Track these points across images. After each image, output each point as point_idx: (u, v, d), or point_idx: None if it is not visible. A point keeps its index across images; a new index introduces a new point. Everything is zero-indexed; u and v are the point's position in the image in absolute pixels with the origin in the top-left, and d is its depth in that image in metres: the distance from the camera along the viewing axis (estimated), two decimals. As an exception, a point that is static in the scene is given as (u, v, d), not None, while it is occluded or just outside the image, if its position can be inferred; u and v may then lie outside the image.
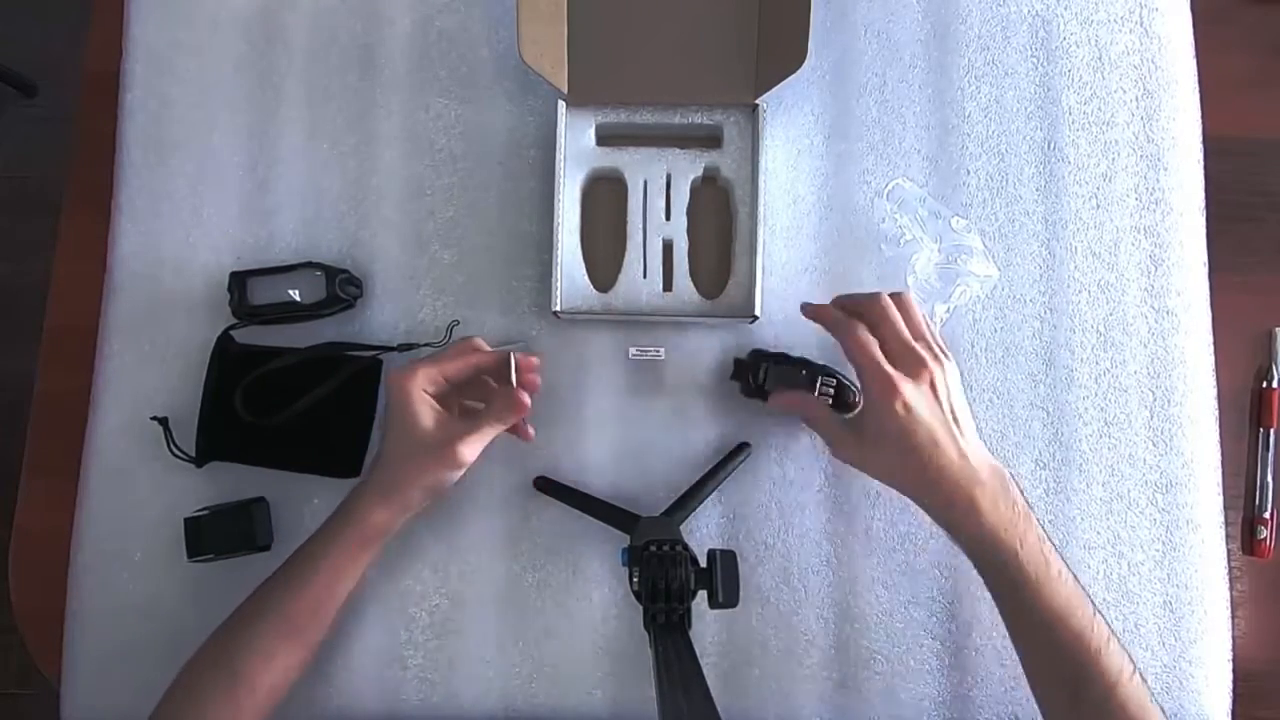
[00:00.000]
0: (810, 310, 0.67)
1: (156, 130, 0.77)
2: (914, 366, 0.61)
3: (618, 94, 0.74)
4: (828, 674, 0.70)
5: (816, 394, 0.68)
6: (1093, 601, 0.60)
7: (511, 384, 0.63)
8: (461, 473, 0.63)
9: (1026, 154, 0.77)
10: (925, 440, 0.60)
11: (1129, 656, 0.59)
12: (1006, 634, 0.63)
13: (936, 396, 0.61)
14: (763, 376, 0.69)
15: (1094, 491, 0.73)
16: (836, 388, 0.68)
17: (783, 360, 0.70)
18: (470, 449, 0.62)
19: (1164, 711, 0.58)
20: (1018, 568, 0.60)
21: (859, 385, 0.66)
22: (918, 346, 0.62)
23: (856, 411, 0.68)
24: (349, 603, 0.66)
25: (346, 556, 0.63)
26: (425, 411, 0.62)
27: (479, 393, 0.67)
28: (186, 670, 0.61)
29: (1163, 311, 0.75)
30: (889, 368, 0.60)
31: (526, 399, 0.62)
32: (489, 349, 0.65)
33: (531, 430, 0.68)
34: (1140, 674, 0.59)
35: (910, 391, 0.60)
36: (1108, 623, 0.60)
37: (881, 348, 0.62)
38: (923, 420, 0.60)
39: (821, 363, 0.70)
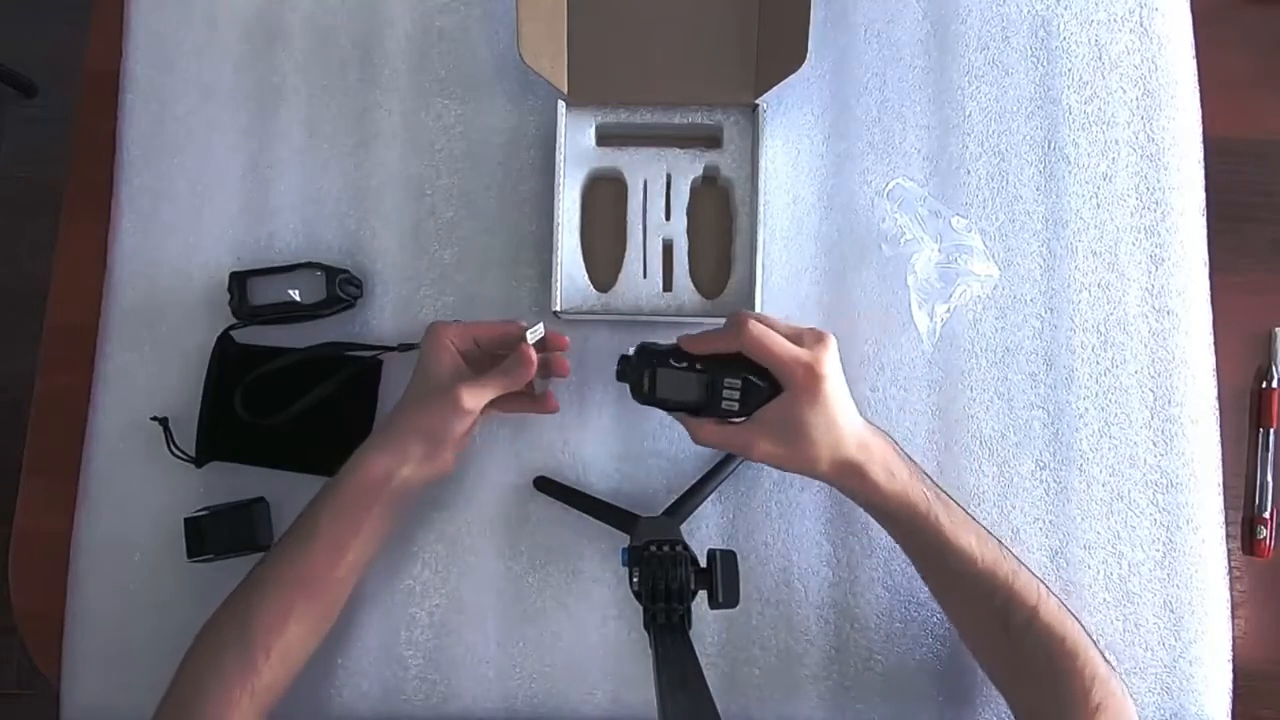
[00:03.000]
0: (688, 341, 0.62)
1: (156, 130, 0.77)
2: (814, 343, 0.60)
3: (618, 94, 0.74)
4: (828, 674, 0.70)
5: (721, 403, 0.61)
6: (993, 535, 0.63)
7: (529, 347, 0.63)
8: (464, 423, 0.62)
9: (1026, 154, 0.77)
10: (847, 413, 0.61)
11: (1037, 578, 0.62)
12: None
13: (838, 368, 0.61)
14: (648, 385, 0.62)
15: (1094, 491, 0.73)
16: (743, 389, 0.61)
17: (673, 360, 0.62)
18: (473, 397, 0.61)
19: (1081, 623, 0.61)
20: (927, 517, 0.61)
21: (760, 381, 0.61)
22: (800, 327, 0.61)
23: (770, 405, 0.61)
24: (348, 601, 0.66)
25: (349, 508, 0.62)
26: (444, 357, 0.63)
27: None
28: (201, 638, 0.61)
29: (1163, 311, 0.75)
30: (801, 350, 0.59)
31: (534, 355, 0.62)
32: (523, 324, 0.65)
33: (555, 400, 0.68)
34: (1052, 592, 0.61)
35: (829, 368, 0.59)
36: (1011, 552, 0.62)
37: None
38: (842, 393, 0.60)
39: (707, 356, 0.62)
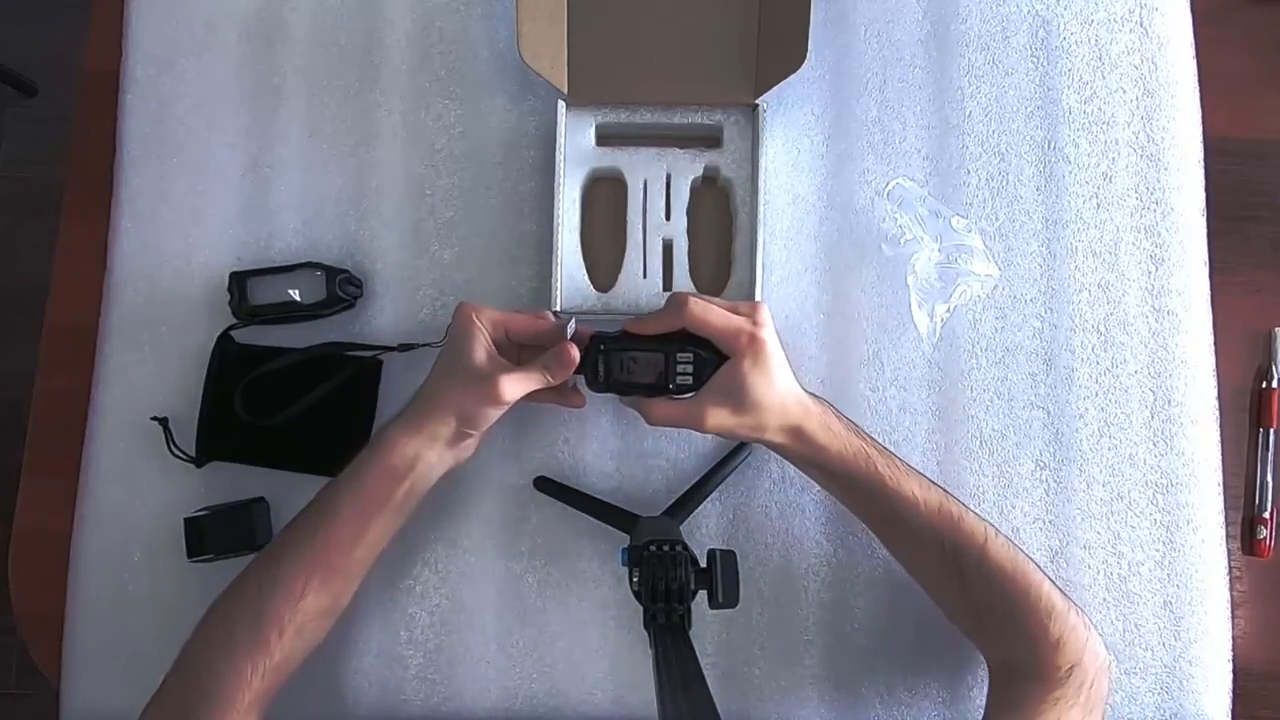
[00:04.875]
0: (633, 324, 0.64)
1: (156, 130, 0.77)
2: (751, 312, 0.62)
3: (618, 94, 0.74)
4: (828, 674, 0.70)
5: (676, 378, 0.63)
6: (937, 484, 0.64)
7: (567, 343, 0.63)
8: (499, 411, 0.62)
9: (1027, 154, 0.77)
10: (787, 377, 0.63)
11: (986, 521, 0.63)
12: None
13: (775, 335, 0.63)
14: (603, 372, 0.63)
15: (1094, 491, 0.73)
16: (694, 362, 0.63)
17: (627, 345, 0.64)
18: (512, 387, 0.60)
19: (1035, 563, 0.62)
20: (867, 469, 0.63)
21: (708, 354, 0.62)
22: (735, 302, 0.63)
23: (716, 375, 0.62)
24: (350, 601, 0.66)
25: (373, 487, 0.61)
26: (480, 343, 0.62)
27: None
28: (218, 604, 0.61)
29: (1163, 311, 0.75)
30: (741, 319, 0.61)
31: (576, 355, 0.62)
32: (550, 320, 0.65)
33: (583, 397, 0.68)
34: (1000, 533, 0.63)
35: (768, 333, 0.61)
36: (958, 499, 0.64)
37: None
38: (780, 357, 0.62)
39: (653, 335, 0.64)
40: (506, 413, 0.63)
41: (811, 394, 0.64)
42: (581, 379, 0.65)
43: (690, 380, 0.63)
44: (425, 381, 0.64)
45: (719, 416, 0.62)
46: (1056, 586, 0.61)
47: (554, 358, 0.62)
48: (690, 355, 0.63)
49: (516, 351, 0.66)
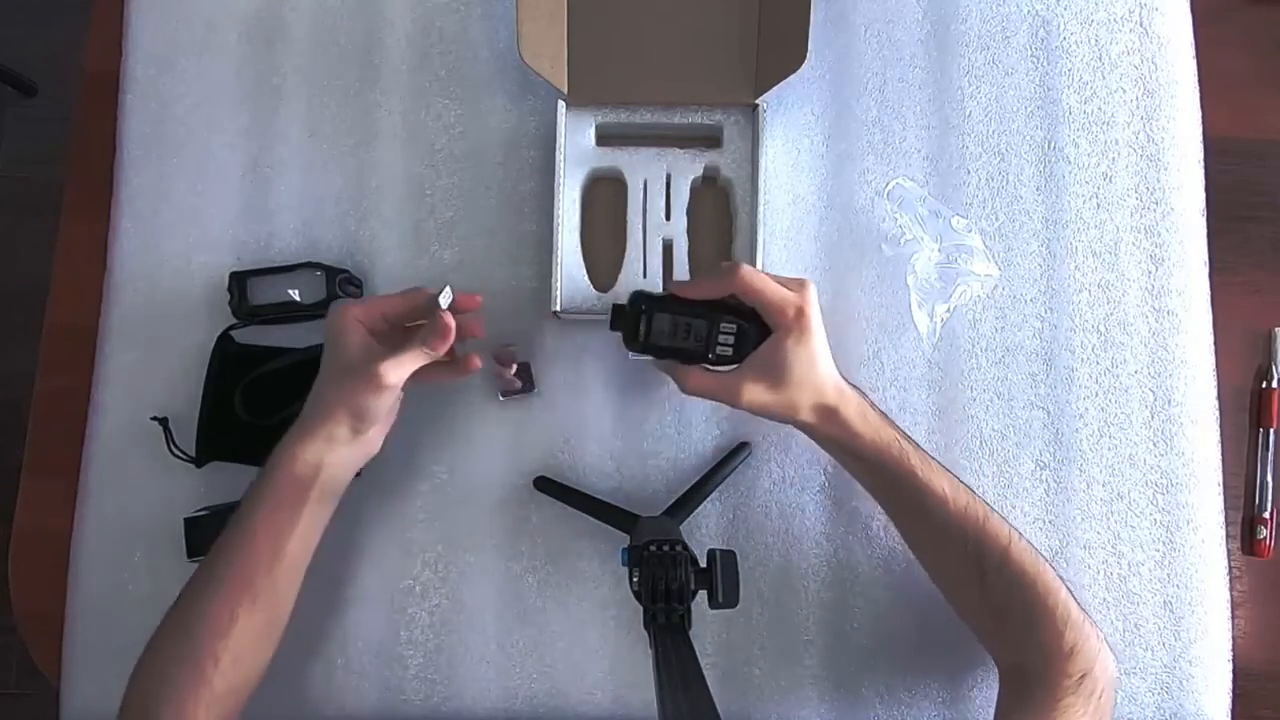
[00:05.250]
0: (680, 287, 0.64)
1: (156, 130, 0.77)
2: (800, 288, 0.62)
3: (618, 94, 0.74)
4: (828, 674, 0.70)
5: (716, 347, 0.62)
6: (963, 483, 0.64)
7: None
8: (387, 399, 0.61)
9: (1027, 154, 0.77)
10: (828, 359, 0.63)
11: (1007, 522, 0.63)
12: None
13: (819, 315, 0.63)
14: (644, 332, 0.63)
15: (1094, 491, 0.73)
16: (737, 333, 0.62)
17: (672, 306, 0.63)
18: (393, 371, 0.59)
19: (1055, 569, 0.62)
20: (900, 460, 0.63)
21: (752, 326, 0.63)
22: (784, 277, 0.63)
23: (759, 349, 0.62)
24: (344, 604, 0.66)
25: (281, 501, 0.61)
26: (353, 338, 0.61)
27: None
28: (149, 649, 0.60)
29: (1163, 311, 0.75)
30: (790, 293, 0.61)
31: (452, 322, 0.60)
32: (431, 292, 0.63)
33: (476, 360, 0.65)
34: (1022, 536, 0.62)
35: (814, 311, 0.62)
36: (983, 500, 0.63)
37: None
38: (823, 338, 0.62)
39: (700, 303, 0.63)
40: (402, 398, 0.63)
41: (849, 382, 0.64)
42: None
43: (730, 352, 0.63)
44: (313, 387, 0.63)
45: (755, 392, 0.62)
46: (1073, 595, 0.61)
47: (430, 329, 0.60)
48: (734, 326, 0.62)
49: (401, 335, 0.63)
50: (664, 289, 0.64)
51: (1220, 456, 0.74)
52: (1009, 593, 0.61)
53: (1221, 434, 0.74)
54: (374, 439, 0.64)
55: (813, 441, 0.66)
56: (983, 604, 0.63)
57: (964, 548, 0.62)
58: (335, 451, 0.62)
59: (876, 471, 0.64)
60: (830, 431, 0.63)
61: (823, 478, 0.72)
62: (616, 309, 0.64)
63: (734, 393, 0.62)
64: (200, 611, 0.59)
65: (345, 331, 0.61)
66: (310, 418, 0.62)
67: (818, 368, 0.62)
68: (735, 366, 0.63)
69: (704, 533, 0.72)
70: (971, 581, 0.63)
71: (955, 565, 0.64)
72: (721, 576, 0.57)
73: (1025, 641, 0.61)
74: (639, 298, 0.63)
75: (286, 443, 0.62)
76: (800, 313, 0.61)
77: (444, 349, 0.61)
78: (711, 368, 0.64)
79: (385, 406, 0.62)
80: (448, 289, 0.62)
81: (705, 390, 0.64)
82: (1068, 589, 0.61)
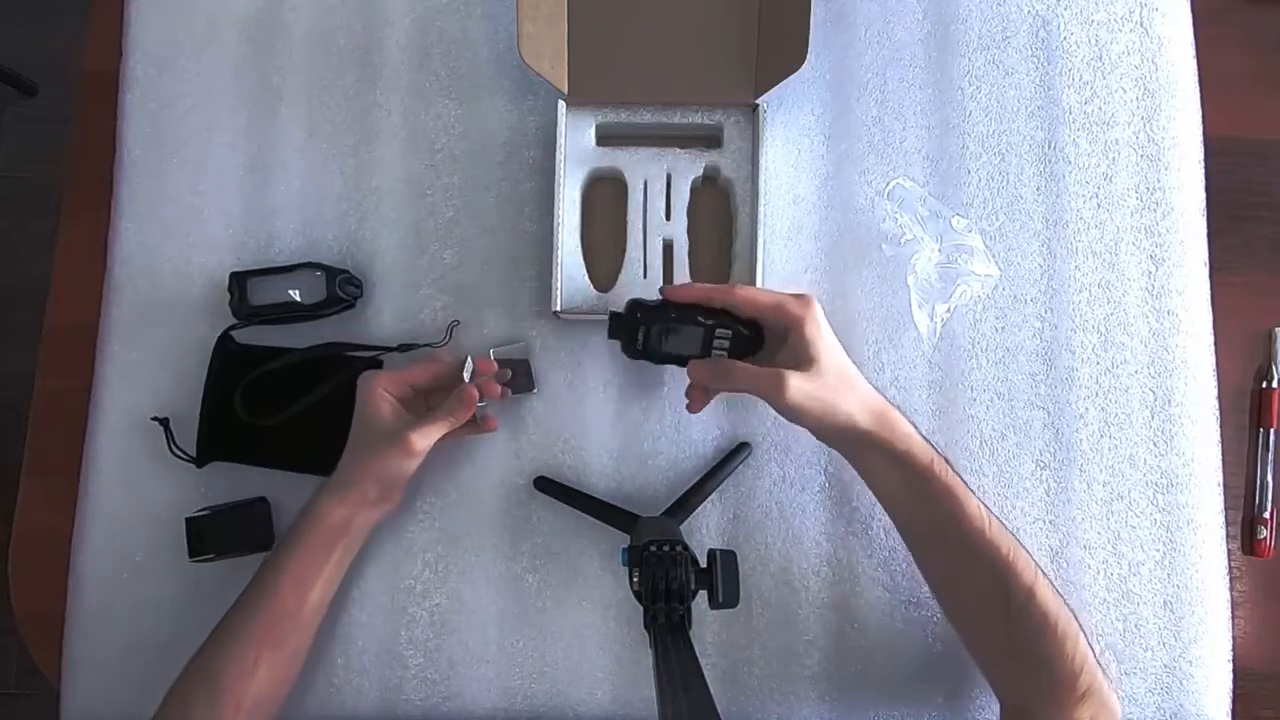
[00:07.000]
0: (672, 291, 0.64)
1: (156, 130, 0.77)
2: (802, 297, 0.62)
3: (618, 94, 0.74)
4: (828, 674, 0.70)
5: (713, 352, 0.63)
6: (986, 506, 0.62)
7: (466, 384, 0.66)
8: (415, 464, 0.65)
9: (1027, 154, 0.77)
10: (847, 360, 0.62)
11: (1032, 558, 0.61)
12: None
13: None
14: (642, 340, 0.64)
15: (1094, 491, 0.73)
16: (733, 338, 0.63)
17: (668, 314, 0.63)
18: (422, 438, 0.63)
19: (1071, 610, 0.60)
20: (936, 476, 0.61)
21: (748, 331, 0.63)
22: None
23: (786, 341, 0.62)
24: (345, 604, 0.66)
25: (310, 557, 0.64)
26: (383, 406, 0.65)
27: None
28: (172, 691, 0.61)
29: (1163, 311, 0.75)
30: (784, 294, 0.61)
31: (476, 394, 0.65)
32: (449, 360, 0.69)
33: (494, 420, 0.70)
34: (1043, 572, 0.61)
35: (820, 314, 0.62)
36: (1008, 529, 0.62)
37: None
38: (838, 344, 0.63)
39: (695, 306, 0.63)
40: (425, 458, 0.66)
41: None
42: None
43: (726, 357, 0.64)
44: (345, 451, 0.67)
45: (797, 384, 0.59)
46: (1086, 638, 0.60)
47: (456, 400, 0.65)
48: (730, 331, 0.63)
49: (425, 399, 0.69)
50: (660, 291, 0.64)
51: (1220, 456, 0.74)
52: (1029, 634, 0.59)
53: (1221, 434, 0.74)
54: (398, 498, 0.68)
55: (846, 460, 0.64)
56: (1005, 641, 0.61)
57: (991, 579, 0.60)
58: (363, 512, 0.66)
59: (916, 482, 0.61)
60: (884, 437, 0.61)
61: (823, 478, 0.72)
62: (614, 317, 0.65)
63: (777, 388, 0.59)
64: (225, 655, 0.62)
65: (375, 402, 0.66)
66: (343, 482, 0.66)
67: (849, 363, 0.62)
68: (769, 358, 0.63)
69: (704, 533, 0.72)
70: (995, 616, 0.60)
71: (977, 596, 0.62)
72: (721, 576, 0.57)
73: (1036, 683, 0.59)
74: (635, 306, 0.64)
75: (319, 499, 0.65)
76: (805, 300, 0.61)
77: (466, 417, 0.66)
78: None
79: (412, 470, 0.66)
80: (469, 360, 0.67)
81: (746, 383, 0.61)
82: (1084, 634, 0.60)
